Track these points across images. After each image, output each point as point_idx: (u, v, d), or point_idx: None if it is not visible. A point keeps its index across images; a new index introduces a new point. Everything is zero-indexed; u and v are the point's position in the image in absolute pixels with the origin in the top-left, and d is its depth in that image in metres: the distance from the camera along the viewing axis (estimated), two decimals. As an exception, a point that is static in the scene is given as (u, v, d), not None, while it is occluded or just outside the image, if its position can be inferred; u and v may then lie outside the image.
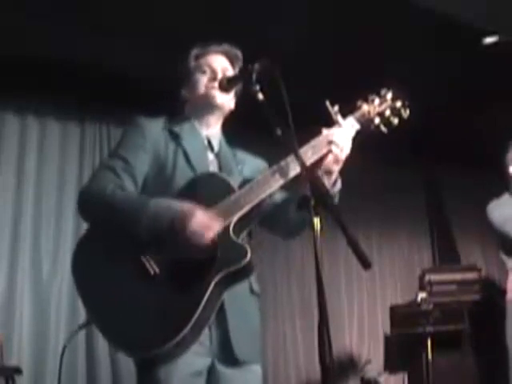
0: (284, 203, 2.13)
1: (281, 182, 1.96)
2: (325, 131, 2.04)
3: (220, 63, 2.12)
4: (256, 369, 1.99)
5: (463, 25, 4.01)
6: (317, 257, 1.62)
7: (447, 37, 4.11)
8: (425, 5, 3.82)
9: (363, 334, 5.93)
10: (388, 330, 5.16)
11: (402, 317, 4.97)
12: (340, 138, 2.01)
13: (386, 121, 2.12)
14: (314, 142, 2.02)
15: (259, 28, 3.76)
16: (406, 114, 2.14)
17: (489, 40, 3.78)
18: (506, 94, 4.61)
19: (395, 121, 2.13)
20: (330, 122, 2.05)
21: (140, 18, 3.82)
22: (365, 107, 2.11)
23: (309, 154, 1.98)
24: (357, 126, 2.07)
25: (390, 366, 5.11)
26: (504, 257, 3.79)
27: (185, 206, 1.83)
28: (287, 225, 2.15)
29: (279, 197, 2.13)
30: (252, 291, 2.02)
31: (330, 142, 2.00)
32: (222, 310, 1.89)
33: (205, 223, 1.80)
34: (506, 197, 3.82)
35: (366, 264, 1.59)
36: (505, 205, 3.77)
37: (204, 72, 2.11)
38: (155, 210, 1.83)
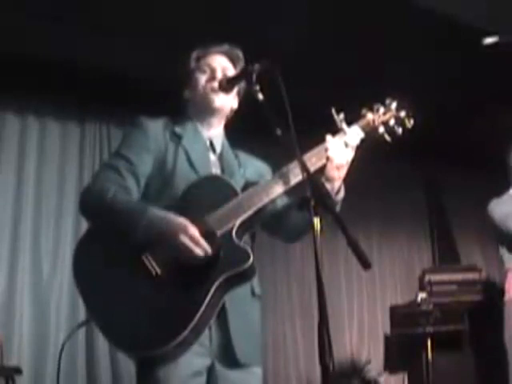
0: (286, 208, 2.13)
1: (284, 187, 1.96)
2: (329, 138, 2.04)
3: (220, 63, 2.12)
4: (257, 371, 1.99)
5: (463, 25, 4.01)
6: (317, 257, 1.62)
7: (447, 37, 4.11)
8: (425, 5, 3.82)
9: (363, 334, 5.93)
10: (388, 330, 5.16)
11: (402, 317, 4.97)
12: (335, 145, 2.01)
13: (390, 130, 2.14)
14: (317, 149, 2.02)
15: (259, 28, 3.76)
16: (409, 124, 2.16)
17: (489, 40, 3.77)
18: (506, 94, 4.61)
19: (399, 130, 2.15)
20: (336, 130, 2.06)
21: (140, 18, 3.82)
22: (369, 116, 2.13)
23: (313, 160, 1.99)
24: (361, 134, 2.08)
25: (390, 366, 5.10)
26: (505, 254, 3.79)
27: (179, 219, 1.83)
28: (289, 229, 2.15)
29: (281, 202, 2.13)
30: (253, 294, 2.02)
31: (327, 150, 2.01)
32: (223, 312, 1.89)
33: (195, 239, 1.80)
34: (507, 196, 3.82)
35: (365, 264, 1.59)
36: (506, 203, 3.77)
37: (204, 72, 2.10)
38: (151, 219, 1.82)
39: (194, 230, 1.80)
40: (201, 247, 1.80)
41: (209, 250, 1.81)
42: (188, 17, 3.77)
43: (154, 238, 1.82)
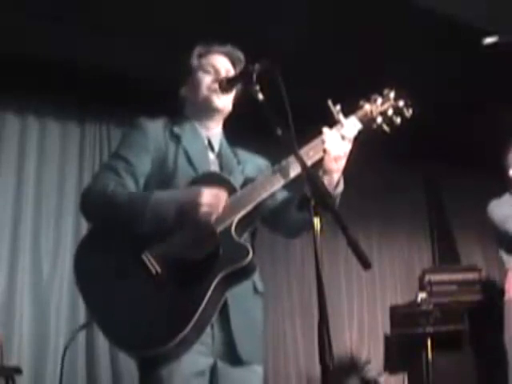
0: (285, 202, 2.12)
1: (282, 181, 1.96)
2: (325, 130, 2.04)
3: (223, 64, 2.12)
4: (257, 369, 1.99)
5: (463, 25, 4.01)
6: (317, 256, 1.62)
7: (447, 37, 4.11)
8: (425, 5, 3.82)
9: (363, 334, 5.93)
10: (388, 330, 5.16)
11: (402, 317, 4.97)
12: (331, 137, 2.00)
13: (388, 120, 2.11)
14: (314, 142, 2.02)
15: (259, 28, 3.76)
16: (408, 113, 2.12)
17: (489, 40, 3.77)
18: (506, 94, 4.61)
19: (398, 120, 2.11)
20: (333, 122, 2.05)
21: (140, 18, 3.82)
22: (367, 106, 2.10)
23: (310, 153, 1.98)
24: (359, 126, 2.06)
25: (390, 366, 5.11)
26: (504, 255, 3.79)
27: (187, 189, 1.87)
28: (289, 224, 2.14)
29: (281, 196, 2.13)
30: (256, 290, 2.02)
31: (324, 142, 1.99)
32: (225, 309, 1.89)
33: (214, 194, 1.84)
34: (506, 197, 3.83)
35: (365, 264, 1.59)
36: (505, 204, 3.78)
37: (207, 72, 2.10)
38: (158, 200, 1.84)
39: (208, 190, 1.83)
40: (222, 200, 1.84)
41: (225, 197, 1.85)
42: (188, 17, 3.77)
43: (165, 217, 1.82)
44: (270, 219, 2.13)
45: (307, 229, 2.03)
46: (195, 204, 1.81)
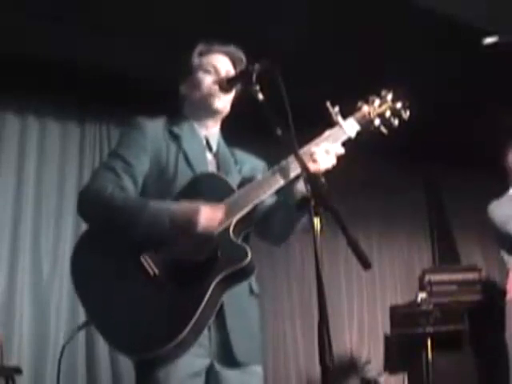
0: (273, 207, 2.09)
1: (281, 182, 1.95)
2: (327, 132, 2.03)
3: (224, 65, 2.11)
4: (256, 370, 1.98)
5: (463, 25, 4.01)
6: (317, 257, 1.62)
7: (447, 37, 4.11)
8: (425, 5, 3.82)
9: (363, 334, 5.93)
10: (388, 330, 5.16)
11: (402, 317, 4.97)
12: (321, 151, 1.97)
13: (386, 122, 2.11)
14: (316, 141, 2.01)
15: (259, 28, 3.76)
16: (406, 115, 2.13)
17: (489, 40, 3.77)
18: (506, 94, 4.61)
19: (395, 122, 2.12)
20: (331, 123, 2.05)
21: (140, 18, 3.82)
22: (365, 108, 2.10)
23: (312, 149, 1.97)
24: (357, 127, 2.06)
25: (390, 366, 5.11)
26: (505, 256, 3.78)
27: (185, 204, 1.84)
28: (276, 229, 2.10)
29: (269, 201, 2.09)
30: (252, 292, 2.02)
31: (313, 154, 1.96)
32: (221, 311, 1.89)
33: (211, 216, 1.83)
34: (506, 197, 3.81)
35: (365, 264, 1.59)
36: (506, 204, 3.76)
37: (207, 72, 2.10)
38: (153, 211, 1.83)
39: (206, 208, 1.82)
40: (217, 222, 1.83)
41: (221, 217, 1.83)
42: (188, 17, 3.76)
43: (159, 231, 1.82)
44: (258, 225, 2.08)
45: (294, 232, 2.03)
46: (192, 223, 1.81)
